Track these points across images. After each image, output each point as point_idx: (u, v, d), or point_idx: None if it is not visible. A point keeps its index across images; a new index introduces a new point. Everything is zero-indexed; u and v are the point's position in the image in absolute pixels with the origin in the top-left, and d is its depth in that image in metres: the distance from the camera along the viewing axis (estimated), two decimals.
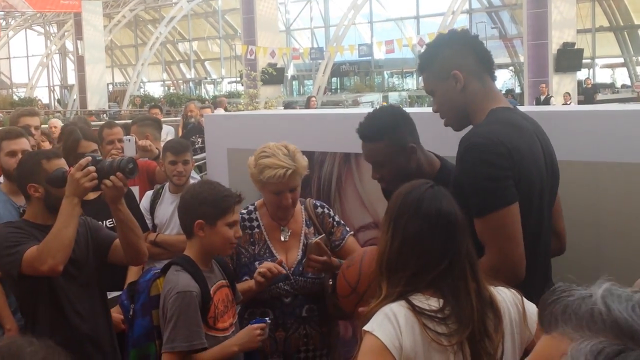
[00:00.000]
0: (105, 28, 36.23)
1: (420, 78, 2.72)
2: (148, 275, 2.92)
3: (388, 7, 34.54)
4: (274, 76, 26.05)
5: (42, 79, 43.73)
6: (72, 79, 39.96)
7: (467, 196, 2.27)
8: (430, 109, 2.80)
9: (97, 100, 32.53)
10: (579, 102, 20.93)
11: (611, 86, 28.26)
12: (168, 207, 4.35)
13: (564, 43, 22.01)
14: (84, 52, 32.85)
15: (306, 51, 29.80)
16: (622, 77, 31.01)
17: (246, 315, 3.12)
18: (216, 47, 40.59)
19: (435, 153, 2.88)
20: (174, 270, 2.78)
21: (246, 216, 3.21)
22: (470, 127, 2.54)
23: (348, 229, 3.32)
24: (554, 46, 21.78)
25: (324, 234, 3.15)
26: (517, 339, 2.05)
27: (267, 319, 2.90)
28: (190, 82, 41.76)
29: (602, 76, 30.93)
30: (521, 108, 2.88)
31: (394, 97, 26.98)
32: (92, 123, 11.27)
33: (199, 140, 8.71)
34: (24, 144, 3.76)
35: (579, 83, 23.63)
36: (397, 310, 1.95)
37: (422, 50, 2.71)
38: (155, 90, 39.52)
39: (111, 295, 3.39)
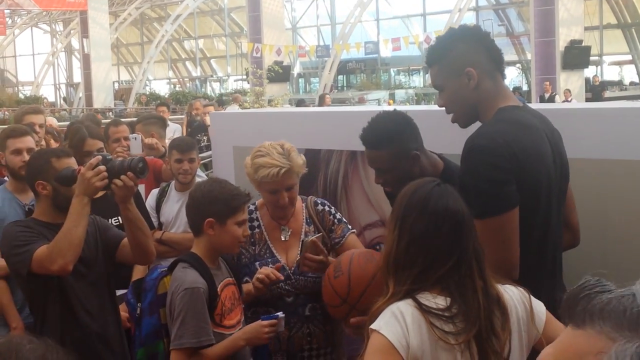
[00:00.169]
0: (111, 26, 36.29)
1: (428, 73, 2.64)
2: (155, 274, 2.92)
3: (394, 5, 34.53)
4: (280, 74, 26.06)
5: (48, 77, 43.90)
6: (78, 77, 40.03)
7: (469, 197, 2.25)
8: (437, 107, 2.77)
9: (102, 98, 32.59)
10: (587, 100, 20.88)
11: (619, 83, 28.16)
12: (174, 205, 4.35)
13: (572, 40, 21.96)
14: (90, 50, 32.90)
15: (312, 49, 29.84)
16: (630, 74, 30.91)
17: (249, 314, 3.10)
18: (222, 45, 40.65)
19: (439, 153, 2.86)
20: (181, 267, 2.78)
21: (247, 216, 3.20)
22: (477, 123, 2.52)
23: (350, 226, 3.30)
24: (562, 43, 21.74)
25: (321, 233, 3.13)
26: (524, 337, 2.04)
27: (279, 313, 2.87)
28: (196, 80, 41.82)
29: (610, 73, 30.84)
30: (531, 106, 2.85)
31: (400, 95, 26.95)
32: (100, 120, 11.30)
33: (204, 138, 8.72)
34: (29, 142, 3.76)
35: (587, 80, 23.58)
36: (404, 308, 1.94)
37: (433, 42, 2.61)
38: (161, 88, 39.62)
39: (117, 293, 3.39)
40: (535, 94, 21.86)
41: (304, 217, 3.25)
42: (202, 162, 5.85)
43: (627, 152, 2.88)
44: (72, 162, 3.11)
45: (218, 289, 2.78)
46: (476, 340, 1.94)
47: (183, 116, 13.37)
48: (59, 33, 44.59)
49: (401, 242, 2.04)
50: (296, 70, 34.66)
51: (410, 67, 34.28)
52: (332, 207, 3.32)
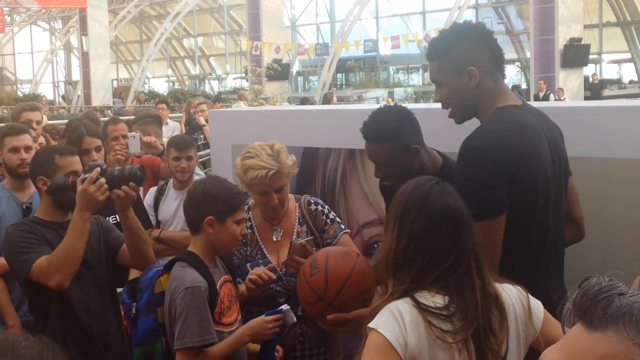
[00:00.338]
0: (110, 24, 36.27)
1: (428, 68, 2.62)
2: (150, 273, 2.90)
3: (394, 3, 34.51)
4: (279, 72, 26.04)
5: (47, 75, 43.88)
6: (76, 75, 40.02)
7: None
8: (435, 105, 2.76)
9: (101, 96, 32.57)
10: (586, 98, 20.88)
11: (618, 82, 28.16)
12: (172, 204, 4.34)
13: (571, 39, 21.96)
14: (89, 48, 32.88)
15: (311, 47, 29.84)
16: (629, 72, 30.91)
17: (243, 314, 3.10)
18: (221, 43, 40.63)
19: (437, 150, 2.86)
20: (180, 266, 2.76)
21: (245, 215, 3.19)
22: (474, 121, 2.52)
23: (343, 226, 3.28)
24: (561, 42, 21.73)
25: (311, 237, 3.11)
26: (522, 336, 2.04)
27: (284, 306, 2.84)
28: (195, 78, 41.81)
29: (609, 72, 30.83)
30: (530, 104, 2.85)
31: (399, 93, 26.96)
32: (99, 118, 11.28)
33: (202, 136, 8.71)
34: (27, 140, 3.75)
35: (586, 79, 23.57)
36: (402, 307, 1.94)
37: (436, 36, 2.59)
38: (160, 86, 39.59)
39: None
40: (533, 92, 21.86)
41: (297, 217, 3.23)
42: (200, 160, 5.85)
43: (626, 151, 2.87)
44: (75, 160, 3.12)
45: (217, 287, 2.77)
46: (474, 338, 1.94)
47: (181, 114, 13.36)
48: (58, 31, 44.57)
49: (400, 241, 2.03)
50: (295, 68, 34.65)
51: (410, 66, 34.28)
52: (326, 207, 3.30)
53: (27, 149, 3.70)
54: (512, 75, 31.10)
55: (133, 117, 6.91)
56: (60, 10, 39.65)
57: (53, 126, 6.10)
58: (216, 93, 29.07)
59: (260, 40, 26.67)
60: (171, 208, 4.34)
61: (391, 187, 2.66)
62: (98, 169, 2.93)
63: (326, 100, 15.71)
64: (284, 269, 3.09)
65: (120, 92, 35.99)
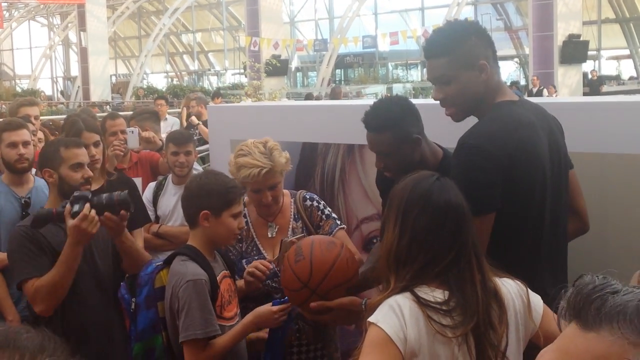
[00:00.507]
0: (109, 19, 36.20)
1: (428, 65, 2.55)
2: (149, 268, 2.90)
3: None
4: (278, 68, 26.03)
5: (45, 71, 43.82)
6: (75, 70, 39.97)
7: None
8: (433, 101, 2.76)
9: (100, 92, 32.53)
10: (584, 94, 20.86)
11: (617, 78, 28.16)
12: (171, 199, 4.34)
13: (570, 35, 21.94)
14: (87, 43, 32.82)
15: (310, 43, 29.80)
16: (628, 69, 30.91)
17: (240, 309, 3.10)
18: (220, 39, 40.58)
19: (438, 143, 2.86)
20: (180, 260, 2.76)
21: (242, 208, 3.19)
22: (471, 119, 2.52)
23: (339, 222, 3.27)
24: (560, 38, 21.71)
25: (302, 234, 3.11)
26: (521, 331, 2.04)
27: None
28: (194, 74, 41.76)
29: (608, 68, 30.83)
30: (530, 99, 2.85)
31: (398, 89, 26.91)
32: (96, 114, 11.25)
33: (196, 132, 8.70)
34: (25, 135, 3.74)
35: (585, 75, 23.55)
36: (402, 302, 1.94)
37: (437, 33, 2.54)
38: (159, 81, 39.52)
39: None
40: (533, 88, 21.85)
41: (292, 213, 3.23)
42: (199, 155, 5.84)
43: (625, 146, 2.87)
44: (80, 152, 3.16)
45: (217, 281, 2.78)
46: (473, 333, 1.94)
47: (180, 110, 13.33)
48: (57, 26, 44.48)
49: (403, 238, 2.03)
50: (294, 64, 34.61)
51: (408, 62, 34.27)
52: (321, 203, 3.29)
53: (25, 144, 3.70)
54: (511, 71, 31.12)
55: (131, 112, 6.90)
56: (58, 5, 39.56)
57: (53, 121, 6.10)
58: (214, 89, 29.07)
59: (258, 36, 26.63)
60: (170, 203, 4.33)
61: (391, 178, 2.66)
62: (88, 205, 2.92)
63: (334, 94, 15.56)
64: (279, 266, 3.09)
65: (118, 88, 35.94)
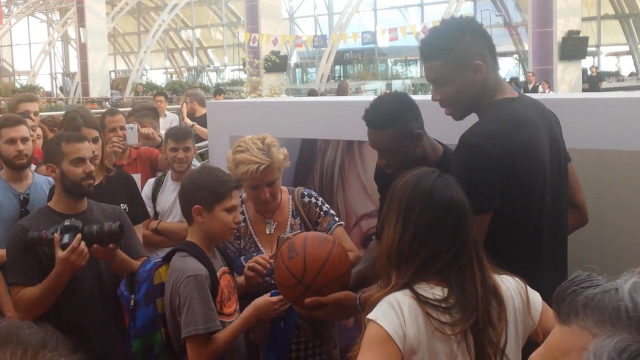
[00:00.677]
0: (108, 15, 36.14)
1: (425, 69, 2.55)
2: (148, 265, 2.91)
3: None
4: (277, 64, 25.99)
5: (45, 67, 43.72)
6: (74, 66, 39.91)
7: None
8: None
9: (99, 88, 32.49)
10: (584, 91, 20.85)
11: (616, 74, 28.13)
12: (170, 195, 4.34)
13: (569, 31, 21.90)
14: (87, 39, 32.77)
15: (309, 39, 29.76)
16: (627, 65, 30.88)
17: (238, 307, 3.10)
18: (219, 35, 40.52)
19: (437, 140, 2.86)
20: (180, 256, 2.77)
21: (237, 202, 3.19)
22: (471, 116, 2.51)
23: (337, 219, 3.27)
24: (559, 34, 21.67)
25: (299, 231, 3.11)
26: (520, 328, 2.05)
27: None
28: (193, 70, 41.71)
29: (608, 64, 30.80)
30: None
31: (397, 85, 26.88)
32: (95, 111, 11.23)
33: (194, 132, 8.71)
34: (24, 131, 3.74)
35: (584, 71, 23.53)
36: (401, 299, 1.94)
37: (429, 35, 2.54)
38: (158, 78, 39.45)
39: None
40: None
41: (290, 210, 3.23)
42: (198, 152, 5.84)
43: (624, 143, 2.87)
44: (82, 147, 3.16)
45: (217, 276, 2.78)
46: (473, 331, 1.94)
47: (180, 106, 13.31)
48: (56, 22, 44.40)
49: (405, 235, 2.03)
50: (293, 60, 34.57)
51: (408, 58, 34.21)
52: (320, 199, 3.29)
53: (24, 140, 3.70)
54: (510, 67, 31.08)
55: (130, 108, 6.89)
56: (57, 1, 39.52)
57: (52, 117, 6.09)
58: (214, 85, 29.04)
59: (258, 32, 26.59)
60: (169, 199, 4.33)
61: (390, 174, 2.66)
62: (79, 235, 2.92)
63: (341, 90, 15.49)
64: None
65: (117, 84, 35.91)
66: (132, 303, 2.88)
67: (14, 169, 3.69)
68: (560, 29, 21.71)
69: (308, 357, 3.14)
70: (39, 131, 4.96)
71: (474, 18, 2.65)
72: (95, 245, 2.95)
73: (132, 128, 4.65)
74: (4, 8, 40.52)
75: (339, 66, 34.88)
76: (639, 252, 2.78)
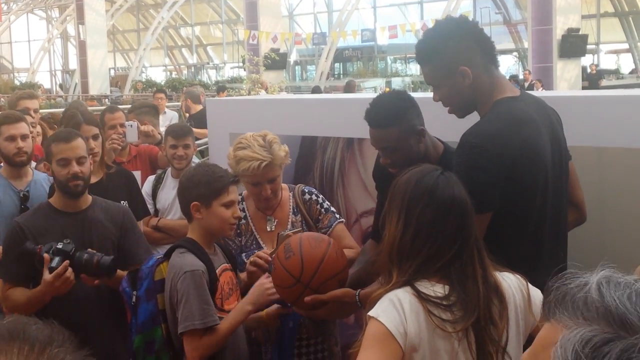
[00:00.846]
0: (107, 12, 36.10)
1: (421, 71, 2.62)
2: (151, 262, 2.92)
3: None
4: (277, 61, 26.01)
5: (44, 64, 43.69)
6: (73, 63, 39.89)
7: None
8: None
9: (98, 85, 32.47)
10: (583, 88, 20.84)
11: (616, 72, 28.12)
12: (170, 192, 4.34)
13: (569, 29, 21.90)
14: (86, 36, 32.74)
15: (309, 36, 29.73)
16: (627, 63, 30.86)
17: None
18: (218, 32, 40.50)
19: (437, 137, 2.86)
20: (179, 252, 2.78)
21: (235, 197, 3.19)
22: (472, 115, 2.52)
23: (338, 216, 3.28)
24: (559, 32, 21.67)
25: (299, 229, 3.11)
26: (521, 325, 2.05)
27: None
28: (192, 67, 41.68)
29: (607, 62, 30.79)
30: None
31: (397, 83, 26.88)
32: (94, 108, 11.23)
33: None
34: (24, 128, 3.74)
35: (584, 69, 23.53)
36: (402, 296, 1.94)
37: (422, 40, 2.55)
38: (157, 75, 39.45)
39: None
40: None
41: (291, 207, 3.23)
42: (198, 149, 5.84)
43: (623, 140, 2.87)
44: (67, 147, 3.13)
45: (216, 273, 2.79)
46: (474, 328, 1.94)
47: (179, 103, 13.32)
48: (55, 19, 44.36)
49: (407, 232, 2.02)
50: (293, 57, 34.55)
51: (407, 55, 34.15)
52: (320, 196, 3.30)
53: (24, 137, 3.70)
54: (509, 65, 31.07)
55: (130, 106, 6.90)
56: None
57: (52, 114, 6.09)
58: (214, 82, 29.03)
59: (257, 29, 26.57)
60: (169, 196, 4.33)
61: (389, 171, 2.67)
62: (67, 262, 2.91)
63: (348, 88, 15.48)
64: None
65: (117, 81, 35.87)
66: (133, 299, 2.89)
67: (13, 166, 3.69)
68: (559, 27, 21.71)
69: (310, 354, 3.14)
70: (38, 128, 4.96)
71: (466, 18, 2.63)
72: (83, 275, 2.96)
73: (132, 125, 4.65)
74: (3, 5, 40.48)
75: (338, 64, 34.85)
76: (639, 249, 2.78)
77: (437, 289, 1.96)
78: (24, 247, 2.99)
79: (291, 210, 3.23)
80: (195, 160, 4.84)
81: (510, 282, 2.06)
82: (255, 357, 3.05)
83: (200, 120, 7.84)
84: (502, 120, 2.38)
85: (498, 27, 29.44)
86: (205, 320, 2.64)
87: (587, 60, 25.23)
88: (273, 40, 26.36)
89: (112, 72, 40.25)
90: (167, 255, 2.84)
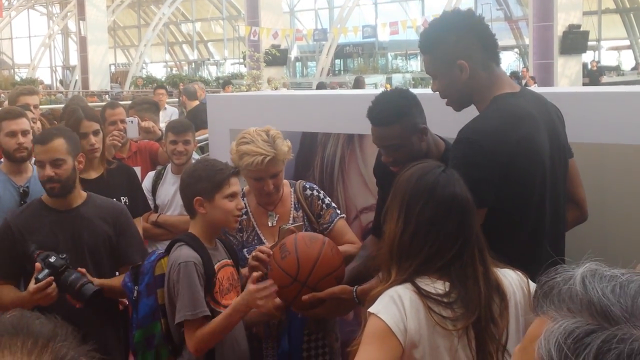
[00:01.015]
0: (108, 8, 36.06)
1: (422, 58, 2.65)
2: (152, 257, 2.94)
3: None
4: (278, 57, 25.96)
5: (44, 60, 43.65)
6: (74, 59, 39.84)
7: None
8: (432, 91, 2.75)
9: (99, 81, 32.44)
10: (584, 85, 20.83)
11: (617, 69, 28.09)
12: (170, 188, 4.35)
13: (570, 25, 21.86)
14: (87, 32, 32.70)
15: (310, 32, 29.69)
16: (628, 59, 30.82)
17: None
18: (219, 28, 40.45)
19: (439, 135, 2.86)
20: (177, 246, 2.81)
21: (238, 189, 3.19)
22: (473, 108, 2.51)
23: (339, 211, 3.29)
24: (560, 28, 21.63)
25: (300, 223, 3.12)
26: (521, 322, 2.04)
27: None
28: (193, 64, 41.66)
29: (608, 59, 30.75)
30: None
31: (397, 79, 26.87)
32: (95, 104, 11.22)
33: None
34: (24, 124, 3.74)
35: (585, 65, 23.50)
36: (402, 292, 1.94)
37: (427, 28, 2.58)
38: (158, 71, 39.43)
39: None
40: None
41: (292, 203, 3.23)
42: (198, 145, 5.84)
43: (625, 137, 2.87)
44: (40, 150, 3.11)
45: (215, 268, 2.79)
46: (474, 327, 1.94)
47: (179, 99, 13.31)
48: (56, 15, 44.31)
49: (406, 231, 2.02)
50: (293, 54, 34.52)
51: (408, 52, 34.14)
52: (321, 192, 3.30)
53: (25, 133, 3.70)
54: (510, 61, 31.04)
55: (130, 102, 6.89)
56: None
57: (52, 110, 6.09)
58: (214, 78, 29.02)
59: (258, 25, 26.54)
60: (169, 192, 4.34)
61: (397, 171, 2.66)
62: (51, 279, 2.89)
63: (357, 84, 15.45)
64: None
65: (117, 77, 35.86)
66: (135, 294, 2.90)
67: (14, 161, 3.69)
68: (561, 23, 21.66)
69: (311, 350, 3.15)
70: (39, 124, 4.96)
71: (473, 12, 2.65)
72: (68, 295, 2.95)
73: (132, 122, 4.65)
74: (4, 1, 40.43)
75: (339, 60, 34.83)
76: (639, 244, 2.78)
77: (437, 286, 1.96)
78: (26, 248, 3.00)
79: (292, 205, 3.23)
80: (196, 156, 4.84)
81: (511, 279, 2.06)
82: (256, 353, 3.05)
83: (195, 116, 7.83)
84: (499, 116, 2.38)
85: (499, 24, 29.39)
86: (196, 311, 2.66)
87: (588, 56, 25.20)
88: (274, 37, 26.32)
89: (113, 68, 40.22)
90: (168, 250, 2.85)
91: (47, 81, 39.70)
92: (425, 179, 2.06)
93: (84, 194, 3.24)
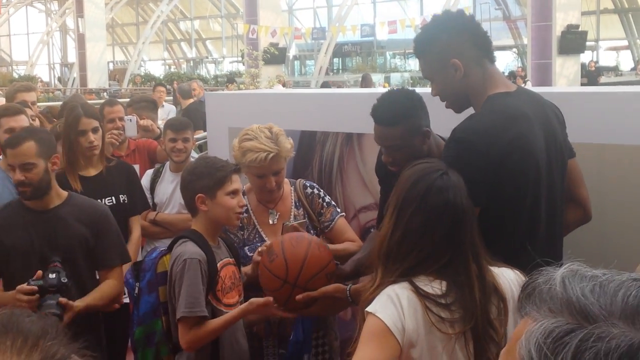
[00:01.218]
0: (107, 6, 36.00)
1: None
2: (154, 254, 2.93)
3: None
4: (276, 56, 25.92)
5: (43, 57, 43.59)
6: (72, 57, 39.78)
7: None
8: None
9: (97, 79, 32.40)
10: (582, 85, 20.84)
11: (615, 69, 28.10)
12: (168, 186, 4.34)
13: (568, 25, 21.86)
14: (85, 30, 32.65)
15: (308, 31, 29.67)
16: (626, 59, 30.83)
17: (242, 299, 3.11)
18: (218, 26, 40.41)
19: (440, 135, 2.86)
20: (181, 242, 2.81)
21: (239, 186, 3.19)
22: (470, 109, 2.52)
23: (339, 210, 3.29)
24: (558, 28, 21.63)
25: (304, 220, 3.12)
26: (518, 320, 2.03)
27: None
28: (191, 61, 41.63)
29: (606, 59, 30.76)
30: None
31: (396, 78, 26.88)
32: (93, 101, 11.20)
33: None
34: (23, 120, 3.74)
35: (583, 66, 23.50)
36: (400, 292, 1.94)
37: (419, 33, 2.60)
38: (156, 69, 39.39)
39: None
40: (531, 78, 21.79)
41: (293, 201, 3.24)
42: (197, 143, 5.84)
43: (624, 137, 2.87)
44: (13, 153, 3.05)
45: (218, 266, 2.79)
46: (472, 333, 1.94)
47: (174, 97, 13.30)
48: (54, 12, 44.24)
49: (395, 233, 2.02)
50: (292, 52, 34.49)
51: (406, 51, 34.11)
52: (321, 191, 3.31)
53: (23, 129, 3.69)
54: (509, 61, 31.05)
55: (128, 99, 6.89)
56: None
57: (50, 108, 6.08)
58: (212, 76, 28.99)
59: (257, 23, 26.51)
60: (167, 190, 4.33)
61: (397, 173, 2.66)
62: (35, 288, 2.82)
63: (364, 81, 15.36)
64: None
65: (115, 75, 35.83)
66: (136, 291, 2.90)
67: None
68: (559, 23, 21.67)
69: (311, 348, 3.15)
70: (37, 122, 4.95)
71: (463, 13, 2.66)
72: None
73: (131, 120, 4.65)
74: None
75: (337, 59, 34.82)
76: (638, 244, 2.78)
77: (435, 285, 1.96)
78: (25, 250, 3.00)
79: (293, 204, 3.23)
80: (194, 154, 4.84)
81: (509, 278, 2.06)
82: (257, 352, 3.05)
83: (188, 115, 7.82)
84: (492, 116, 2.38)
85: (498, 23, 29.40)
86: (194, 310, 2.66)
87: (586, 57, 25.21)
88: (272, 35, 26.29)
89: (111, 65, 40.17)
90: (171, 248, 2.85)
91: (45, 78, 39.60)
92: (419, 185, 2.05)
93: (64, 195, 3.16)
